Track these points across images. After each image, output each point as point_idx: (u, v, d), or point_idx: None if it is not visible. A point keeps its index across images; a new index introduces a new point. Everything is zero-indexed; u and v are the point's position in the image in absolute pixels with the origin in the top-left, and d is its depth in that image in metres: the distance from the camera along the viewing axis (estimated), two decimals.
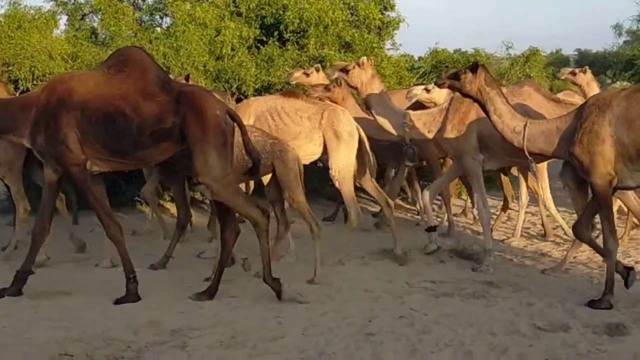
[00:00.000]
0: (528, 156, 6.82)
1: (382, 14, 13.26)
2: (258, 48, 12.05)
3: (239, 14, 12.27)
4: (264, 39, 12.11)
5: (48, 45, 11.17)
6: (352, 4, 12.81)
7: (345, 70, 8.45)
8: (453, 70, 7.21)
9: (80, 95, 6.29)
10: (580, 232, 6.74)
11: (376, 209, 10.85)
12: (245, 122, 7.86)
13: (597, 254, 8.42)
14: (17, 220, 8.01)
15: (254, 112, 8.18)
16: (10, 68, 10.77)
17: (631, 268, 6.64)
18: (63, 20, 13.23)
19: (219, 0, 12.47)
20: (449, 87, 7.13)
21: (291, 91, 8.80)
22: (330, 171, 7.99)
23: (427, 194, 8.37)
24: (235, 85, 11.32)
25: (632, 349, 5.39)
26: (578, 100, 8.34)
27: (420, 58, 16.00)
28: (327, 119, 7.98)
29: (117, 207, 10.24)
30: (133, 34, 12.45)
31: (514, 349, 5.34)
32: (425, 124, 8.23)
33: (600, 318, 6.02)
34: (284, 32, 11.94)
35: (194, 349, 5.32)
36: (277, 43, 11.89)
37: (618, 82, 22.44)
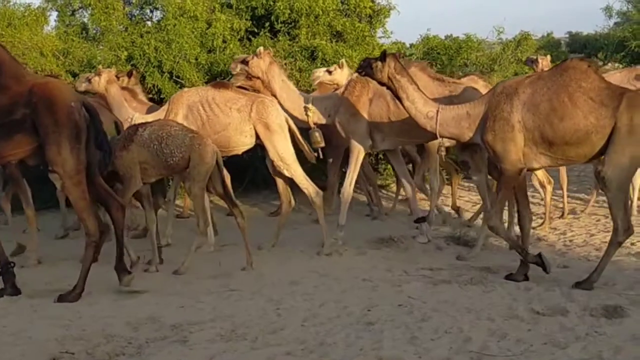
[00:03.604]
0: (439, 140, 7.19)
1: (373, 2, 13.21)
2: (249, 40, 12.02)
3: (230, 6, 12.24)
4: (255, 30, 12.09)
5: (39, 42, 11.16)
6: None
7: (245, 62, 8.63)
8: (367, 58, 7.50)
9: None
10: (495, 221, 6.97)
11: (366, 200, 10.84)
12: (178, 113, 8.16)
13: (593, 237, 8.53)
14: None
15: (186, 102, 8.32)
16: None
17: (539, 254, 6.86)
18: (53, 16, 13.24)
19: None
20: (365, 75, 7.41)
21: (222, 82, 8.90)
22: (274, 162, 8.20)
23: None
24: (227, 78, 11.28)
25: (630, 331, 5.41)
26: (481, 85, 8.50)
27: (412, 45, 15.97)
28: (256, 112, 8.17)
29: None
30: (124, 29, 12.43)
31: (513, 334, 5.36)
32: (326, 108, 8.50)
33: (598, 301, 6.04)
34: (275, 23, 11.92)
35: (195, 343, 5.33)
36: (268, 34, 11.88)
37: (610, 64, 22.43)
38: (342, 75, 9.14)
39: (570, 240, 8.46)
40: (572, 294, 6.29)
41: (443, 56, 13.69)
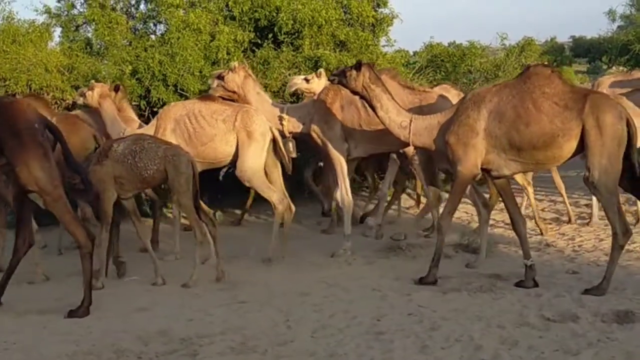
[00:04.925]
0: (412, 149, 7.41)
1: (375, 11, 13.20)
2: (253, 51, 12.03)
3: (233, 18, 12.24)
4: (259, 41, 12.09)
5: (44, 58, 11.17)
6: (345, 2, 12.76)
7: (221, 77, 8.85)
8: (342, 68, 7.67)
9: None
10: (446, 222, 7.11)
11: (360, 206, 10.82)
12: (166, 127, 8.27)
13: (602, 242, 8.50)
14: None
15: (174, 116, 8.43)
16: (7, 82, 10.78)
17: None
18: (57, 32, 13.23)
19: (212, 5, 12.45)
20: (339, 84, 7.49)
21: (208, 95, 8.97)
22: (236, 171, 8.27)
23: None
24: None
25: None
26: (453, 94, 8.60)
27: (415, 53, 15.98)
28: (240, 120, 8.26)
29: None
30: (128, 43, 12.44)
31: (524, 342, 5.34)
32: (300, 117, 8.63)
33: (609, 306, 6.02)
34: (279, 33, 11.92)
35: (205, 356, 5.32)
36: (272, 45, 11.88)
37: (614, 67, 22.41)
38: (319, 84, 9.18)
39: (579, 246, 8.43)
40: (583, 299, 6.28)
41: (447, 63, 13.71)
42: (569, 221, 9.77)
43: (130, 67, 11.17)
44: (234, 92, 8.79)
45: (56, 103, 10.79)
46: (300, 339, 5.61)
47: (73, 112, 9.41)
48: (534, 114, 6.56)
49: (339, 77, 7.38)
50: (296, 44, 11.97)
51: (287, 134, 8.62)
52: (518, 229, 7.05)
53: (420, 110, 7.74)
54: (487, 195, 10.15)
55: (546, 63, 7.71)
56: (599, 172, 6.37)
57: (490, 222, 9.59)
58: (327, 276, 7.46)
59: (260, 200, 10.96)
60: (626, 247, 7.97)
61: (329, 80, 7.97)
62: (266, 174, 8.49)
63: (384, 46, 13.52)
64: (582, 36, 34.43)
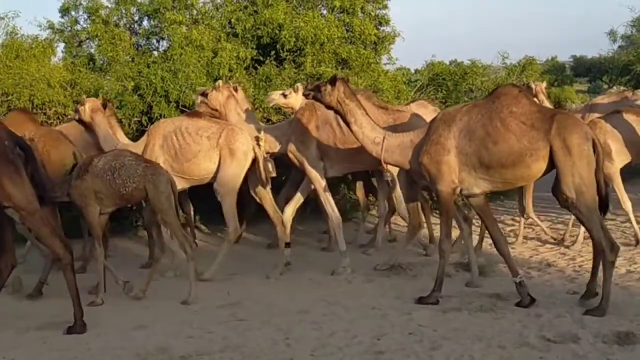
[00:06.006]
0: (384, 165, 7.43)
1: (378, 29, 13.28)
2: (255, 68, 12.08)
3: (235, 35, 12.30)
4: (261, 58, 12.14)
5: (46, 73, 11.20)
6: (347, 20, 12.84)
7: (204, 94, 8.96)
8: (316, 83, 7.68)
9: None
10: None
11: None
12: (155, 143, 8.39)
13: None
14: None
15: (162, 132, 8.54)
16: (9, 97, 10.78)
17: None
18: (60, 47, 13.29)
19: (215, 22, 12.53)
20: (313, 98, 7.53)
21: (195, 112, 9.04)
22: (214, 184, 8.31)
23: (286, 210, 8.71)
24: None
25: None
26: (430, 110, 8.73)
27: (417, 71, 16.04)
28: (224, 138, 8.35)
29: (120, 233, 10.30)
30: (130, 59, 12.49)
31: None
32: (276, 137, 8.71)
33: (609, 327, 6.00)
34: (281, 51, 11.97)
35: None
36: (274, 62, 11.92)
37: (614, 87, 22.45)
38: (296, 99, 9.18)
39: (580, 266, 8.40)
40: (584, 320, 6.25)
41: (448, 82, 13.75)
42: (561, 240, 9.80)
43: (132, 83, 11.21)
44: (217, 110, 8.89)
45: (58, 118, 10.80)
46: (299, 358, 5.60)
47: (58, 127, 9.43)
48: (502, 132, 6.66)
49: (313, 92, 7.42)
50: (298, 61, 12.02)
51: (265, 154, 8.63)
52: (500, 248, 7.11)
53: (395, 129, 7.79)
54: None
55: (514, 83, 7.82)
56: (575, 191, 6.46)
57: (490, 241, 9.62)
58: (327, 294, 7.44)
59: (260, 218, 10.98)
60: (627, 267, 8.04)
61: (303, 94, 8.00)
62: (256, 192, 8.65)
63: (385, 64, 13.60)
64: (583, 56, 34.52)
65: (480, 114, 6.81)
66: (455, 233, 9.91)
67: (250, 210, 10.21)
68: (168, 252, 8.16)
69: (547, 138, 6.53)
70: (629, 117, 9.13)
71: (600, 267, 6.70)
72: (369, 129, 7.30)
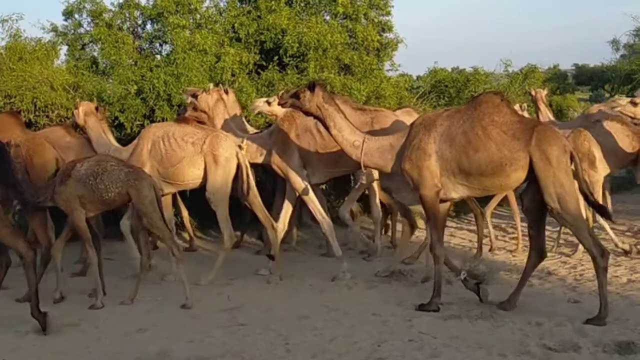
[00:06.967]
0: (363, 169, 7.38)
1: (380, 35, 13.32)
2: (258, 73, 12.10)
3: (239, 40, 12.33)
4: (264, 63, 12.17)
5: (49, 76, 11.22)
6: (350, 26, 12.88)
7: (194, 96, 8.97)
8: (294, 89, 7.65)
9: None
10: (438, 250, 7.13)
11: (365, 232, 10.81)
12: (144, 147, 8.41)
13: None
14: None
15: (152, 137, 8.53)
16: (12, 100, 10.80)
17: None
18: (63, 50, 13.34)
19: (219, 26, 12.56)
20: (291, 106, 7.53)
21: (184, 117, 9.04)
22: (206, 193, 8.29)
23: (278, 225, 8.65)
24: None
25: None
26: (414, 118, 8.58)
27: (419, 78, 16.06)
28: (208, 144, 8.33)
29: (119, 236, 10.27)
30: (133, 63, 12.51)
31: None
32: (257, 147, 8.70)
33: (610, 336, 5.99)
34: (284, 56, 12.00)
35: None
36: (277, 67, 11.94)
37: (616, 96, 22.43)
38: (280, 107, 9.19)
39: (581, 275, 8.39)
40: (584, 329, 6.24)
41: (451, 89, 13.77)
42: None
43: (135, 87, 11.22)
44: (204, 112, 8.91)
45: (61, 121, 10.80)
46: None
47: (42, 132, 9.47)
48: (483, 140, 6.70)
49: (292, 99, 7.40)
50: (301, 66, 12.05)
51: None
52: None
53: (373, 129, 7.89)
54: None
55: (496, 91, 7.82)
56: (559, 201, 6.50)
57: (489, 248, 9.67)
58: (327, 300, 7.43)
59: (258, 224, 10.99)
60: (629, 277, 8.01)
61: (279, 104, 7.91)
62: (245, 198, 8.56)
63: (388, 70, 13.65)
64: (585, 64, 34.55)
65: (462, 120, 6.84)
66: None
67: (245, 220, 10.23)
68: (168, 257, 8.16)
69: (527, 149, 6.58)
70: (610, 126, 9.19)
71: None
72: (348, 132, 7.31)
